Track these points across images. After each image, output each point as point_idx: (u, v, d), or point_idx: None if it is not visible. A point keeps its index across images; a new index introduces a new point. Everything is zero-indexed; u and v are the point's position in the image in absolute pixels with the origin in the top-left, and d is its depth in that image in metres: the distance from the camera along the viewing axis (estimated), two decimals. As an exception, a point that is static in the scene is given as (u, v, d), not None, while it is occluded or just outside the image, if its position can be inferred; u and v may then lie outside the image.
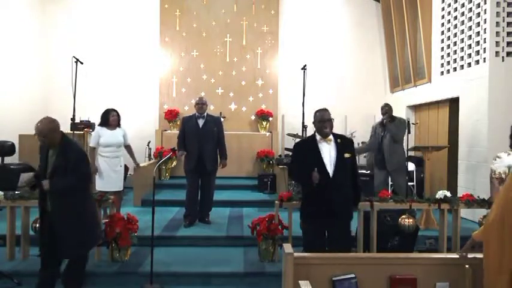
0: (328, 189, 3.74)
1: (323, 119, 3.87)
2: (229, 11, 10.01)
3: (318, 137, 3.90)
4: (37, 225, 4.50)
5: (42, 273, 3.84)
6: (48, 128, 3.67)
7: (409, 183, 7.02)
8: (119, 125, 5.91)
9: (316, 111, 3.97)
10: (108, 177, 5.75)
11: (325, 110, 3.95)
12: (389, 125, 6.40)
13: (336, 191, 3.76)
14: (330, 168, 3.79)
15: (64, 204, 3.70)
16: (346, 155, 3.85)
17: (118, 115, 5.89)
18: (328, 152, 3.83)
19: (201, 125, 6.05)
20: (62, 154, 3.71)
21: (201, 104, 6.08)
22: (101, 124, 5.88)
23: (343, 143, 3.92)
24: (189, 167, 6.05)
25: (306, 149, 3.97)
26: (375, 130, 6.65)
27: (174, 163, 8.90)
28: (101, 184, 5.72)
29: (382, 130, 6.51)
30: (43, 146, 3.85)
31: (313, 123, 3.96)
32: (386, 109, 6.53)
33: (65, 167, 3.67)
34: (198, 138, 5.98)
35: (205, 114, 6.13)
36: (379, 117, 7.00)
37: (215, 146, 6.08)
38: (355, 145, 8.45)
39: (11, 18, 8.50)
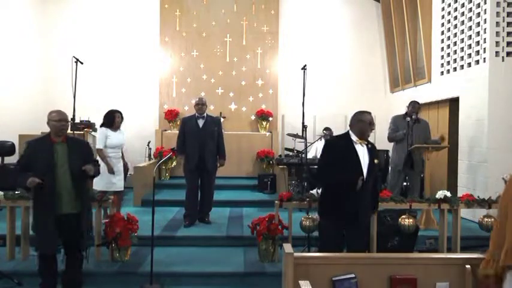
0: (359, 192, 3.73)
1: (371, 122, 3.83)
2: (229, 11, 10.00)
3: (354, 137, 3.83)
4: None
5: (45, 272, 3.86)
6: (65, 115, 3.89)
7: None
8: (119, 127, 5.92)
9: (364, 112, 3.89)
10: (110, 178, 5.74)
11: (370, 113, 3.91)
12: (417, 127, 6.16)
13: (365, 195, 3.79)
14: (365, 170, 3.77)
15: (86, 199, 4.00)
16: (376, 161, 3.85)
17: (122, 117, 5.89)
18: (362, 155, 3.80)
19: (201, 125, 6.06)
20: (75, 147, 3.89)
21: (200, 105, 6.10)
22: (105, 125, 5.80)
23: (373, 149, 3.91)
24: (189, 167, 6.06)
25: (341, 148, 3.86)
26: (401, 125, 6.30)
27: (174, 163, 8.90)
28: (103, 184, 5.71)
29: (408, 129, 6.12)
30: (41, 142, 3.87)
31: (355, 122, 3.85)
32: (417, 108, 6.32)
33: (81, 158, 3.85)
34: (198, 139, 5.99)
35: (205, 114, 6.14)
36: (379, 117, 7.02)
37: (215, 146, 6.09)
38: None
39: (11, 18, 8.50)
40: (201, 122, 6.08)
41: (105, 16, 9.92)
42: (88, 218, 4.06)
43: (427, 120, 6.84)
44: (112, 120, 5.80)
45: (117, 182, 5.80)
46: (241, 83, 10.04)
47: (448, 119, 7.50)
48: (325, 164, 3.94)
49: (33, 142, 3.91)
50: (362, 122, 3.83)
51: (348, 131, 3.92)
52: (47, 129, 3.97)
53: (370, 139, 3.98)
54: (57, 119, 3.80)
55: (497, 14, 6.19)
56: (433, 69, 7.90)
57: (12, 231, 4.86)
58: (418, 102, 6.49)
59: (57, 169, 3.76)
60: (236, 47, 10.00)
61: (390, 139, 6.55)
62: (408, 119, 6.18)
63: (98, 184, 5.65)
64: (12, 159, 7.51)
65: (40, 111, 8.75)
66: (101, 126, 5.86)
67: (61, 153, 3.79)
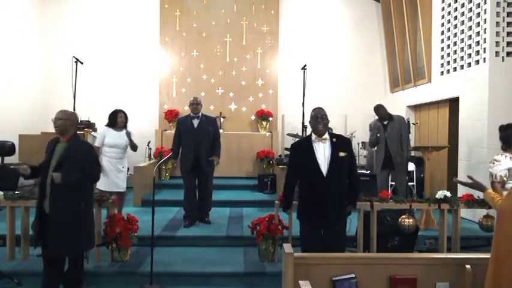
0: (322, 188, 3.78)
1: (317, 116, 3.90)
2: (229, 11, 10.01)
3: (313, 136, 3.94)
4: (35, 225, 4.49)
5: (48, 272, 3.84)
6: (66, 115, 3.81)
7: (409, 183, 7.02)
8: (125, 126, 5.91)
9: (314, 109, 4.01)
10: (112, 178, 5.73)
11: (320, 108, 3.99)
12: (391, 127, 6.41)
13: (329, 191, 3.80)
14: (324, 167, 3.81)
15: (68, 202, 3.70)
16: (341, 154, 3.85)
17: (125, 116, 5.88)
18: (322, 151, 3.86)
19: (196, 125, 6.04)
20: (71, 148, 3.76)
21: (195, 105, 6.08)
22: (108, 125, 5.85)
23: (339, 142, 3.93)
24: (185, 167, 6.04)
25: (301, 148, 4.01)
26: (374, 128, 6.61)
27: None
28: (105, 184, 5.70)
29: (384, 130, 6.49)
30: (51, 140, 3.88)
31: (309, 122, 4.00)
32: (381, 112, 6.55)
33: (74, 160, 3.70)
34: (194, 138, 5.97)
35: (200, 114, 6.12)
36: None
37: (210, 145, 6.06)
38: (355, 145, 8.47)
39: (11, 18, 8.50)
40: (195, 122, 6.05)
41: (105, 16, 9.92)
42: (70, 227, 3.67)
43: (404, 117, 6.98)
44: (114, 119, 5.82)
45: (120, 183, 5.80)
46: (241, 83, 10.04)
47: (448, 119, 7.51)
48: (288, 167, 4.17)
49: (51, 139, 3.94)
50: (311, 119, 3.95)
51: (311, 132, 4.02)
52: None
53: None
54: (53, 118, 3.83)
55: (497, 14, 6.19)
56: (433, 69, 7.90)
57: (12, 231, 4.86)
58: (378, 105, 6.68)
59: (50, 167, 3.72)
60: (236, 47, 10.00)
61: (369, 144, 6.95)
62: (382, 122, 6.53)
63: (101, 184, 5.65)
64: (12, 159, 7.52)
65: (40, 111, 8.80)
66: (105, 125, 5.90)
67: (58, 152, 3.78)
